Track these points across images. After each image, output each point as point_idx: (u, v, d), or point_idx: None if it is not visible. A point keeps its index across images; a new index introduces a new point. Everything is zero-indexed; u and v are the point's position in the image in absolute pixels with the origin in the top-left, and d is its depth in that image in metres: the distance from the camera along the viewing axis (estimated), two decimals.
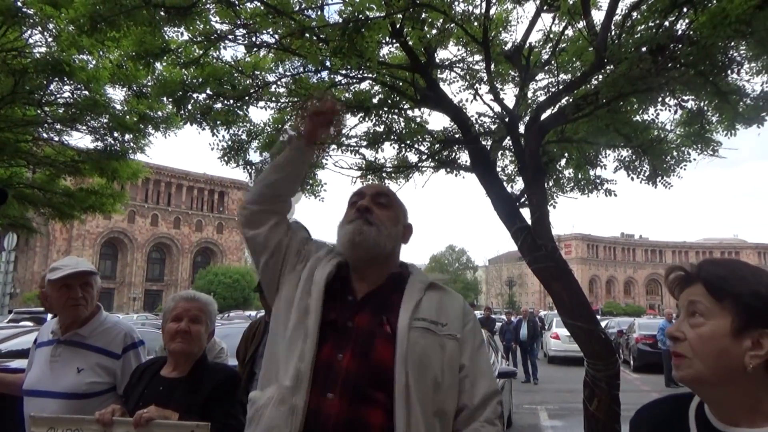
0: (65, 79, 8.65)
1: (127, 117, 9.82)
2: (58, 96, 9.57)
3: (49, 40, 8.59)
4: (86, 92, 9.13)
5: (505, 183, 6.28)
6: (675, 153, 7.29)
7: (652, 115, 6.67)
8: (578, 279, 5.16)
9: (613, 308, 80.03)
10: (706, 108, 6.59)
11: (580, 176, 7.63)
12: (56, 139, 10.83)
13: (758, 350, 1.07)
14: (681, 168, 7.33)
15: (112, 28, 5.12)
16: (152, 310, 50.75)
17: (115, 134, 10.34)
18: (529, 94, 5.32)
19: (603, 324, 21.30)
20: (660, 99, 5.96)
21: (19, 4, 7.82)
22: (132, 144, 10.48)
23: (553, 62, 5.52)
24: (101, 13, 4.97)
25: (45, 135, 10.82)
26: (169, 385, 2.19)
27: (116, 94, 9.72)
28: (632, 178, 7.47)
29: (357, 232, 1.70)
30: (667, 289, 1.29)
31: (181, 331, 2.22)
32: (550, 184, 6.95)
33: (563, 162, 7.57)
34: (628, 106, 6.15)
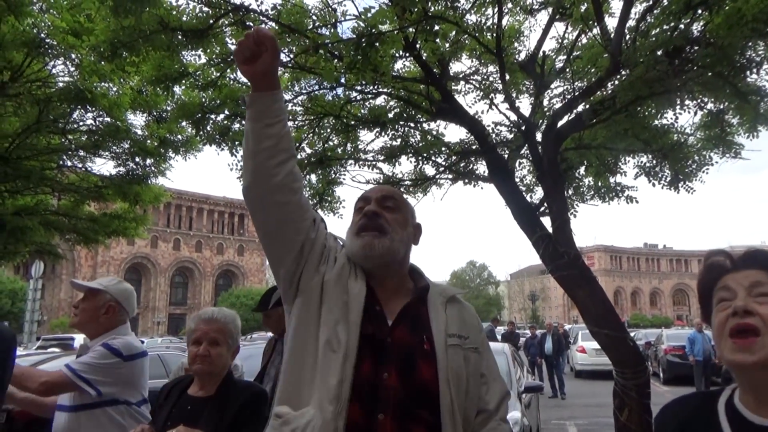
0: (88, 106, 8.87)
1: (148, 142, 10.01)
2: (81, 123, 9.81)
3: (72, 69, 8.85)
4: (108, 119, 9.35)
5: (524, 193, 6.23)
6: (696, 157, 7.18)
7: (671, 119, 6.60)
8: None
9: (639, 320, 78.51)
10: (725, 110, 6.50)
11: (600, 184, 7.55)
12: (80, 165, 11.07)
13: None
14: (703, 172, 7.21)
15: (131, 53, 5.25)
16: (176, 333, 51.17)
17: (137, 159, 10.53)
18: (545, 102, 5.31)
19: None
20: (678, 101, 5.90)
21: (42, 35, 8.06)
22: (153, 168, 10.66)
23: (567, 69, 5.50)
24: (121, 39, 5.10)
25: (69, 162, 11.06)
26: (197, 405, 2.20)
27: (137, 119, 9.93)
28: (653, 184, 7.36)
29: (369, 247, 1.64)
30: (703, 271, 1.22)
31: (201, 355, 2.24)
32: (570, 192, 6.89)
33: (582, 170, 7.51)
34: (647, 110, 6.09)
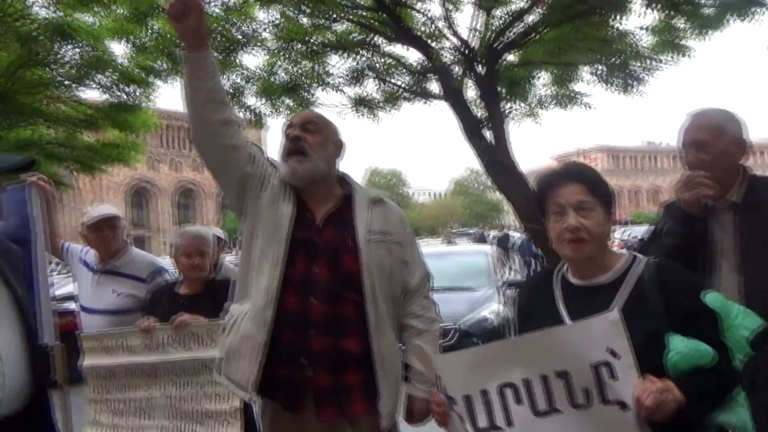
0: (70, 40, 9.12)
1: (136, 71, 10.21)
2: (66, 57, 10.01)
3: (49, 2, 8.99)
4: (90, 50, 9.55)
5: (477, 109, 6.73)
6: (648, 61, 7.68)
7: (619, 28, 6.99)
8: None
9: (643, 218, 79.27)
10: (671, 16, 6.92)
11: (559, 90, 8.00)
12: (69, 96, 11.31)
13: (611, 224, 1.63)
14: (652, 77, 7.76)
15: None
16: None
17: (123, 87, 10.76)
18: (480, 26, 5.70)
19: (621, 233, 21.24)
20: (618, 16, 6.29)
21: None
22: (141, 96, 10.90)
23: None
24: None
25: (59, 95, 11.32)
26: (190, 300, 2.83)
27: (119, 49, 10.11)
28: (607, 90, 7.91)
29: (294, 170, 1.94)
30: (537, 183, 1.67)
31: (196, 266, 2.86)
32: (520, 104, 7.39)
33: (545, 80, 7.96)
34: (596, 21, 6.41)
